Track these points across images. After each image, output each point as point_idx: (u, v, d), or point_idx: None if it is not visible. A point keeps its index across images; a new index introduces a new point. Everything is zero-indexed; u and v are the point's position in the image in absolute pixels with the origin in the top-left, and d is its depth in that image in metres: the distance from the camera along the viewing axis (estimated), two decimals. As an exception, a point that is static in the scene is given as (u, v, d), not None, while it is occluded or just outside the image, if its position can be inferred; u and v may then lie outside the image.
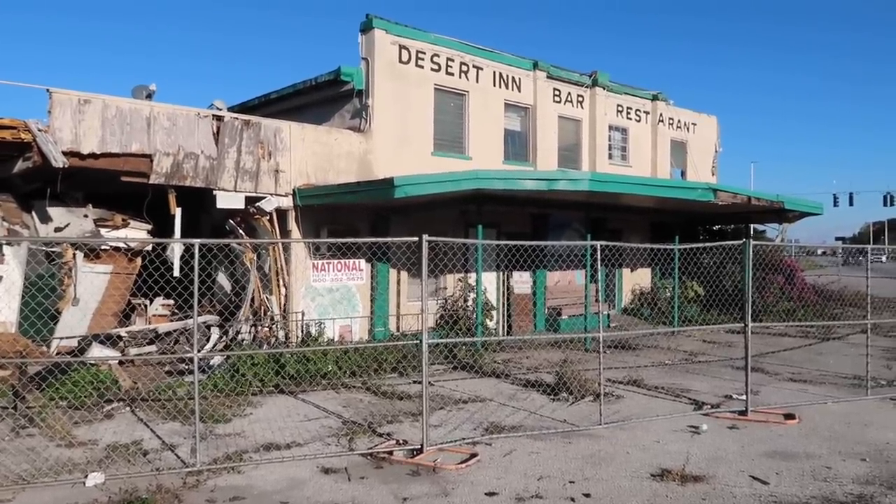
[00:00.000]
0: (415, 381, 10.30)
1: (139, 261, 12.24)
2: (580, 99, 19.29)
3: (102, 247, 11.79)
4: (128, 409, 8.77)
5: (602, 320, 9.06)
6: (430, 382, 10.10)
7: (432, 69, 15.53)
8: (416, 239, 7.16)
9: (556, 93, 18.58)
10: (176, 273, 10.96)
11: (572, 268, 17.35)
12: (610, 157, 20.23)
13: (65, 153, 10.31)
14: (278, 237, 12.72)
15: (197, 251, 6.50)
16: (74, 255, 11.55)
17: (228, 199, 12.22)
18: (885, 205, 51.80)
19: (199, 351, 9.91)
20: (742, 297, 8.85)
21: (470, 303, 14.28)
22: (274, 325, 12.43)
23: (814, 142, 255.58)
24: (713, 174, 24.03)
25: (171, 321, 12.69)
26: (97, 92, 11.07)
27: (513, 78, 17.34)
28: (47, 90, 10.44)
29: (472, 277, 14.24)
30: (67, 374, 9.11)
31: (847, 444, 7.37)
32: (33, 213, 11.60)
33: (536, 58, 17.87)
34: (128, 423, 8.19)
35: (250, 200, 12.49)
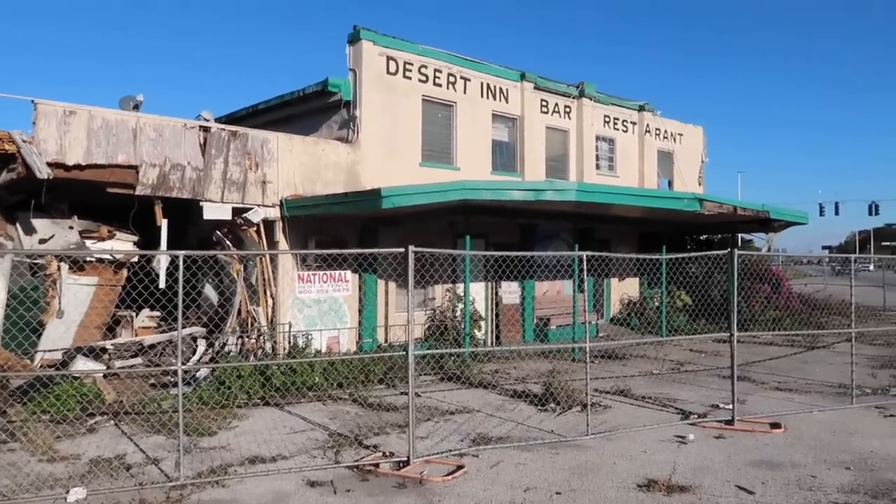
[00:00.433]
0: (402, 393, 10.26)
1: (125, 272, 12.15)
2: (567, 109, 19.41)
3: (87, 259, 11.70)
4: (112, 422, 8.67)
5: (590, 330, 9.09)
6: (417, 393, 10.10)
7: (420, 80, 15.58)
8: (402, 250, 7.16)
9: (544, 103, 18.69)
10: (162, 285, 10.89)
11: (560, 278, 17.40)
12: (598, 167, 20.34)
13: (50, 164, 10.25)
14: (266, 248, 12.68)
15: (181, 262, 6.46)
16: (59, 267, 11.45)
17: (215, 211, 12.17)
18: (870, 214, 52.40)
19: (184, 363, 9.88)
20: (729, 307, 8.91)
21: (458, 313, 14.27)
22: (261, 337, 12.36)
23: (801, 152, 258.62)
24: (700, 184, 24.21)
25: (158, 333, 12.60)
26: (85, 103, 11.04)
27: (500, 89, 17.43)
28: (32, 101, 10.38)
29: (461, 288, 14.24)
30: (50, 387, 9.01)
31: (832, 453, 7.40)
32: (17, 225, 11.50)
33: (524, 69, 17.99)
34: (111, 436, 8.10)
35: (237, 211, 12.44)
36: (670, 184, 23.13)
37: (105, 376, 10.08)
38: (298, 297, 12.47)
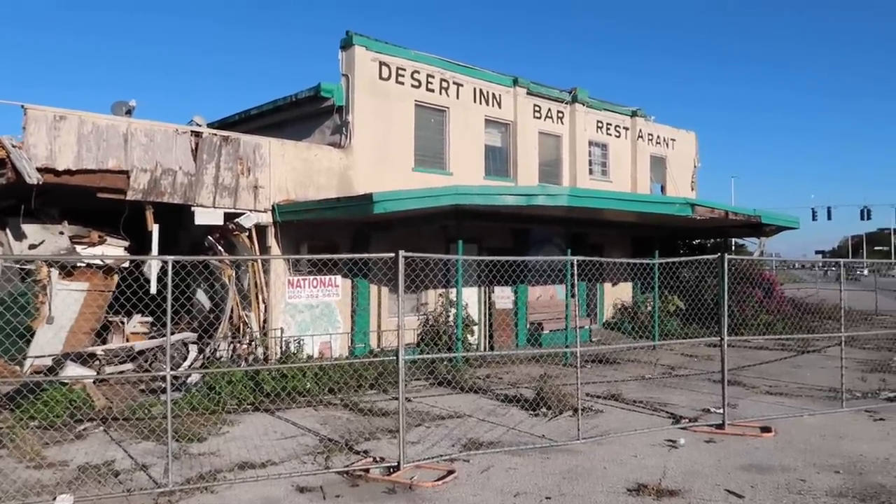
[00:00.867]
0: (394, 398, 10.22)
1: (115, 278, 12.10)
2: (560, 115, 19.47)
3: (78, 264, 11.65)
4: (101, 428, 8.62)
5: (583, 335, 9.10)
6: (409, 398, 10.08)
7: (413, 85, 15.61)
8: (392, 255, 7.15)
9: (537, 109, 18.73)
10: (153, 290, 10.85)
11: (553, 283, 17.43)
12: (591, 172, 20.39)
13: (39, 169, 10.22)
14: (258, 253, 12.65)
15: (170, 268, 6.43)
16: (49, 272, 11.40)
17: (207, 216, 12.14)
18: (862, 219, 52.83)
19: (174, 369, 9.83)
20: (720, 311, 8.93)
21: (451, 318, 14.26)
22: (253, 342, 12.32)
23: (794, 157, 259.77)
24: (692, 189, 24.30)
25: (149, 339, 12.54)
26: (77, 108, 11.01)
27: (493, 94, 17.47)
28: (22, 106, 10.36)
29: (454, 293, 14.23)
30: (38, 393, 8.94)
31: (822, 457, 7.42)
32: (7, 230, 11.45)
33: (516, 74, 18.03)
34: (100, 443, 8.05)
35: (229, 217, 12.42)
36: (663, 189, 23.20)
37: (95, 382, 10.02)
38: (290, 303, 12.45)
